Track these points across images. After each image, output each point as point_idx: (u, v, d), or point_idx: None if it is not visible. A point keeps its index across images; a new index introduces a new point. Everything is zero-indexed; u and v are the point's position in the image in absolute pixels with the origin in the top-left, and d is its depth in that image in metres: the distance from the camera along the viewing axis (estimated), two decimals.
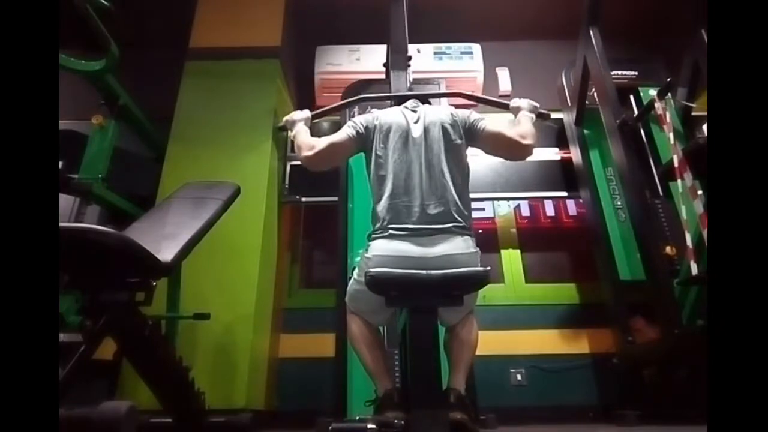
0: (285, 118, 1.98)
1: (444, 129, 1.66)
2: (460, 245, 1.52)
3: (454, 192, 1.57)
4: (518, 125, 1.76)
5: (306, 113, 1.95)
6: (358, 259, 1.67)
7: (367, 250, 1.59)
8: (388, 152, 1.63)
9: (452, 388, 1.50)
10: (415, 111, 1.73)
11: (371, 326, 1.67)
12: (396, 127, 1.66)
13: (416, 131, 1.65)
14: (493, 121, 1.73)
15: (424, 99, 1.86)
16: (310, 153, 1.70)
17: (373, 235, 1.59)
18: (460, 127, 1.68)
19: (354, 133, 1.71)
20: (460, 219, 1.55)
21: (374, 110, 1.76)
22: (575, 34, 3.27)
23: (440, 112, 1.73)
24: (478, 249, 1.56)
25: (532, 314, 3.17)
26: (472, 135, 1.69)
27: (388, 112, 1.74)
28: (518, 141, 1.66)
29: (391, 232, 1.52)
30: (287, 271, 3.36)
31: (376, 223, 1.60)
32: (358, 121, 1.73)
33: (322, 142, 1.71)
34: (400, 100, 1.87)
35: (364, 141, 1.71)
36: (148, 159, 3.25)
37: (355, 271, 1.66)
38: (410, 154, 1.61)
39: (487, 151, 1.76)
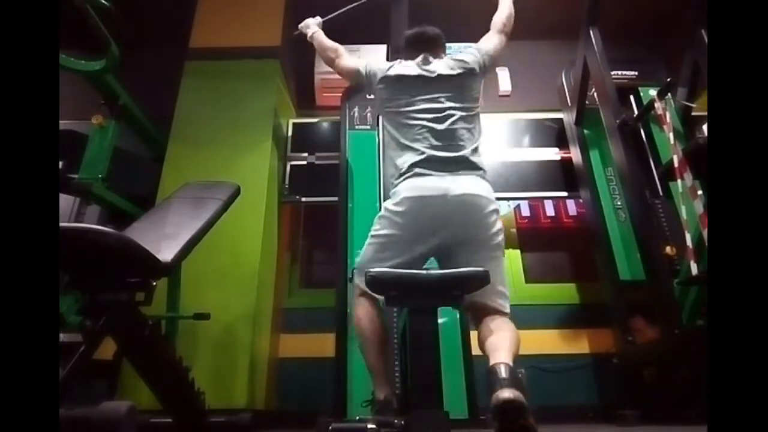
0: (300, 25, 2.13)
1: (458, 80, 1.73)
2: (483, 187, 1.59)
3: (471, 141, 1.65)
4: (499, 11, 1.97)
5: (318, 19, 2.12)
6: (380, 213, 1.67)
7: (391, 196, 1.64)
8: (405, 104, 1.70)
9: (501, 362, 1.28)
10: (428, 65, 1.78)
11: (379, 313, 1.62)
12: (412, 80, 1.73)
13: (432, 84, 1.71)
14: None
15: (435, 53, 1.87)
16: (333, 56, 1.95)
17: (397, 181, 1.64)
18: (477, 70, 1.77)
19: (361, 70, 1.85)
20: (480, 167, 1.62)
21: (395, 62, 1.85)
22: (575, 34, 3.27)
23: (452, 64, 1.78)
24: (498, 205, 1.62)
25: (532, 314, 3.16)
26: (487, 64, 1.83)
27: (403, 65, 1.80)
28: (503, 38, 1.91)
29: (416, 171, 1.58)
30: (287, 271, 3.36)
31: (396, 169, 1.66)
32: (370, 66, 1.84)
33: (339, 59, 1.94)
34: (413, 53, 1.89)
35: (365, 84, 1.87)
36: (148, 159, 3.25)
37: (372, 229, 1.67)
38: (428, 105, 1.67)
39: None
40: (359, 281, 1.63)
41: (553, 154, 3.61)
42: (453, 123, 1.65)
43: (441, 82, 1.72)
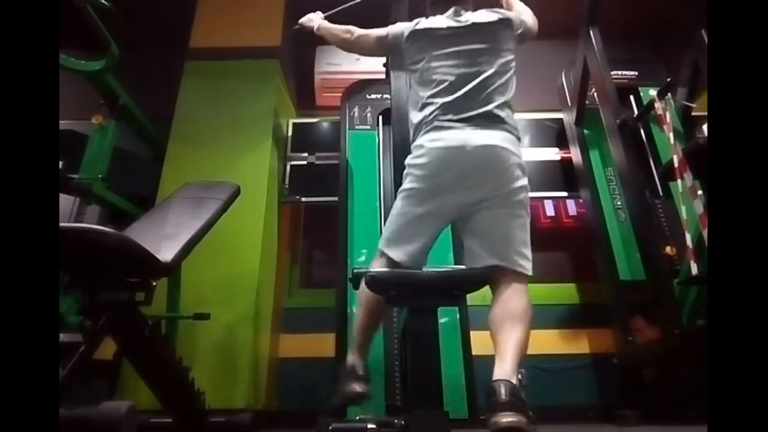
0: (301, 20, 2.08)
1: (494, 30, 1.66)
2: (505, 139, 1.52)
3: (501, 97, 1.59)
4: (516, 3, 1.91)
5: (319, 14, 2.08)
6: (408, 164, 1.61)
7: (412, 151, 1.60)
8: (433, 58, 1.64)
9: (502, 380, 1.21)
10: (459, 17, 1.71)
11: None
12: (442, 32, 1.66)
13: (464, 35, 1.64)
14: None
15: (466, 7, 1.80)
16: (349, 36, 1.87)
17: (418, 136, 1.60)
18: (513, 23, 1.72)
19: (384, 34, 1.80)
20: (505, 121, 1.56)
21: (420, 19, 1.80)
22: (575, 34, 3.27)
23: (486, 12, 1.72)
24: (523, 161, 1.56)
25: None
26: (522, 27, 1.77)
27: (432, 19, 1.74)
28: (534, 21, 1.85)
29: (436, 124, 1.54)
30: (287, 271, 3.35)
31: (417, 127, 1.61)
32: (393, 28, 1.80)
33: (357, 36, 1.86)
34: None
35: (393, 47, 1.80)
36: (148, 159, 3.25)
37: (399, 190, 1.64)
38: (458, 60, 1.61)
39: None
40: (380, 244, 1.61)
41: (553, 154, 3.61)
42: (484, 80, 1.58)
43: (475, 32, 1.64)
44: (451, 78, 1.59)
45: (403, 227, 1.56)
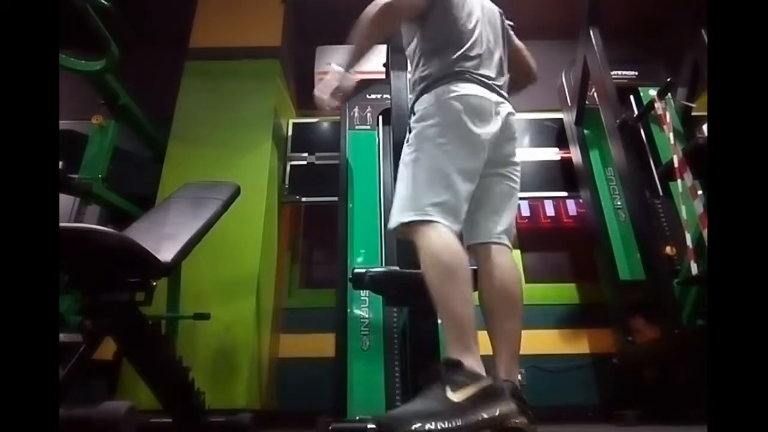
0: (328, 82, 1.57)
1: (501, 22, 1.65)
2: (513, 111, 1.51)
3: (506, 87, 1.56)
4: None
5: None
6: (424, 105, 1.40)
7: (447, 91, 1.38)
8: (464, 19, 1.53)
9: (504, 380, 1.19)
10: None
11: (458, 242, 1.24)
12: (468, 3, 1.58)
13: (482, 13, 1.60)
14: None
15: None
16: (373, 21, 1.49)
17: (453, 82, 1.39)
18: (505, 29, 1.68)
19: None
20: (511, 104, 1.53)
21: None
22: (575, 34, 3.27)
23: (494, 7, 1.68)
24: None
25: (532, 314, 3.16)
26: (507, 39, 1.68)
27: None
28: (533, 68, 1.71)
29: (479, 78, 1.43)
30: (287, 271, 3.36)
31: (448, 67, 1.43)
32: None
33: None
34: None
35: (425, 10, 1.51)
36: (148, 159, 3.25)
37: (423, 126, 1.38)
38: (483, 28, 1.55)
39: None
40: (424, 214, 1.23)
41: (553, 154, 3.61)
42: (502, 60, 1.55)
43: (492, 15, 1.62)
44: (485, 44, 1.51)
45: (452, 185, 1.27)
